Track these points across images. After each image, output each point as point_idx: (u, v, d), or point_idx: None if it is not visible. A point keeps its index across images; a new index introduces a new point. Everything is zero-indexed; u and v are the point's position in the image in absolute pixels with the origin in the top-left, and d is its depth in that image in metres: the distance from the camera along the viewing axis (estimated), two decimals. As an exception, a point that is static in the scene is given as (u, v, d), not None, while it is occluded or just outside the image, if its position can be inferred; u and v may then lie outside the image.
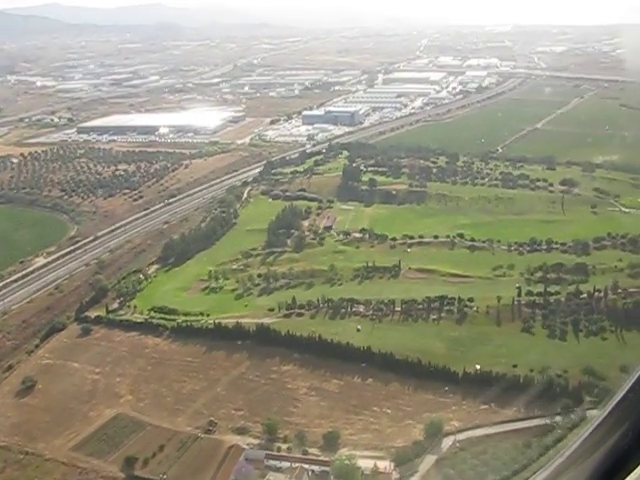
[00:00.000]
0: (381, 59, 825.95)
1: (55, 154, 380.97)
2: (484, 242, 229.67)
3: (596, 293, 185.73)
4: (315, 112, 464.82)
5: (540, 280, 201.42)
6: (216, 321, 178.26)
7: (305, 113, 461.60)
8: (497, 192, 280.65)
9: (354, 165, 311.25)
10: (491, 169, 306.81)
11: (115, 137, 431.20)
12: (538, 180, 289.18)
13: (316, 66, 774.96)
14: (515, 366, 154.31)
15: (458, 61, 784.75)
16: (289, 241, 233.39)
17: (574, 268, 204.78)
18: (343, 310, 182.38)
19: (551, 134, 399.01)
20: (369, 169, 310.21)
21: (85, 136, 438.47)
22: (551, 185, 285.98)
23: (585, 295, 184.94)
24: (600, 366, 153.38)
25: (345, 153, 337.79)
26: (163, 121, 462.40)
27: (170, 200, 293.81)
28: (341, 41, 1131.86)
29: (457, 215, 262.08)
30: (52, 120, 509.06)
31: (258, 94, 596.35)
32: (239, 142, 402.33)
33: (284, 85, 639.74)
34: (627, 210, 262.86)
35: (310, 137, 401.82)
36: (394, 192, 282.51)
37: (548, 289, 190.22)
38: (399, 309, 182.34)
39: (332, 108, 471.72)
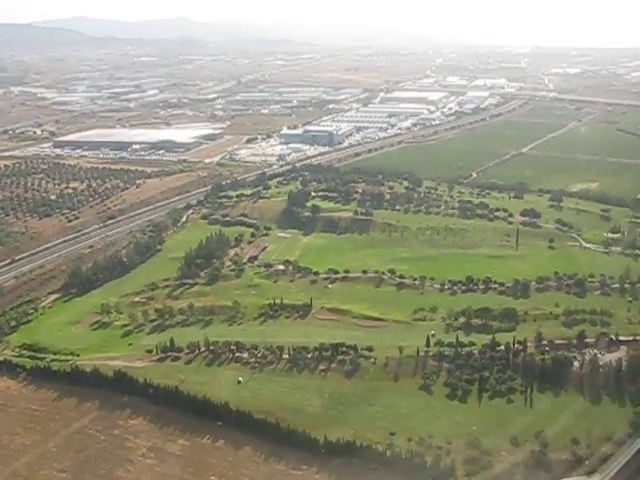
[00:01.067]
0: (389, 77, 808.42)
1: (16, 169, 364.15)
2: (416, 279, 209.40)
3: (516, 345, 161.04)
4: (293, 131, 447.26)
5: (461, 327, 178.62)
6: (75, 364, 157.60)
7: (283, 132, 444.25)
8: (450, 222, 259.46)
9: (305, 189, 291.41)
10: (452, 197, 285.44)
11: (87, 152, 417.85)
12: (498, 210, 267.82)
13: (320, 83, 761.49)
14: (393, 434, 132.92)
15: (465, 81, 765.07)
16: (203, 273, 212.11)
17: (502, 314, 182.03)
18: (224, 356, 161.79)
19: (534, 159, 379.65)
20: (320, 194, 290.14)
21: (59, 150, 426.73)
22: (511, 216, 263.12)
23: (503, 347, 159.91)
24: (491, 437, 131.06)
25: (307, 176, 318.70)
26: (141, 137, 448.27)
27: (107, 222, 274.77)
28: (355, 59, 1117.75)
29: (398, 247, 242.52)
30: (34, 133, 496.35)
31: (250, 111, 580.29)
32: (207, 161, 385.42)
33: (280, 102, 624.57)
34: (587, 245, 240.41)
35: (281, 157, 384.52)
36: (337, 220, 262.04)
37: (465, 338, 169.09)
38: (287, 356, 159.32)
39: (311, 127, 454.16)
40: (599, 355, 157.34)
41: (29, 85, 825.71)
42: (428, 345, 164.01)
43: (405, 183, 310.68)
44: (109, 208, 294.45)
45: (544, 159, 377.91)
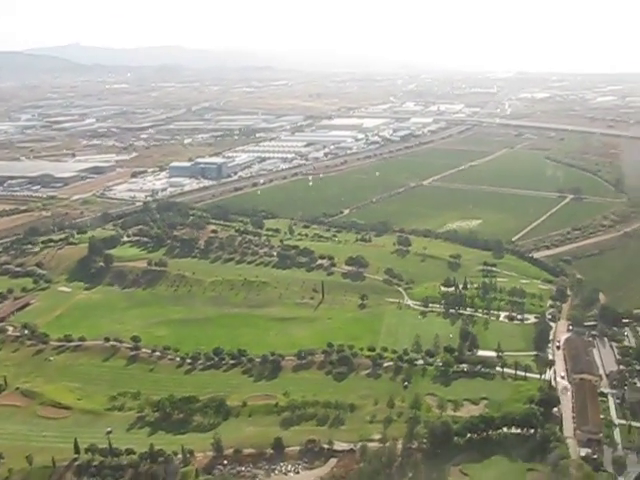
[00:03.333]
0: (347, 104, 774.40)
1: None
2: (155, 351, 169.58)
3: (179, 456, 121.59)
4: (183, 164, 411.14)
5: (155, 421, 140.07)
6: None
7: (172, 165, 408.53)
8: (259, 272, 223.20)
9: (116, 234, 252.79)
10: (281, 241, 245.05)
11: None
12: (323, 257, 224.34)
13: (271, 110, 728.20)
14: None
15: (421, 106, 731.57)
16: None
17: (210, 405, 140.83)
18: None
19: (431, 192, 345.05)
20: (133, 239, 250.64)
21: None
22: (334, 265, 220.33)
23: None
24: None
25: (155, 215, 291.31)
26: (26, 170, 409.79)
27: None
28: (327, 85, 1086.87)
29: (177, 305, 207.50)
30: None
31: (173, 141, 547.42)
32: (76, 197, 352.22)
33: (212, 131, 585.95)
34: (409, 303, 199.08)
35: (154, 192, 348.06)
36: (129, 271, 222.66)
37: (146, 439, 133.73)
38: None
39: (201, 160, 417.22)
40: (291, 473, 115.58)
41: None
42: (77, 451, 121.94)
43: (248, 223, 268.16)
44: None
45: (442, 192, 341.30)
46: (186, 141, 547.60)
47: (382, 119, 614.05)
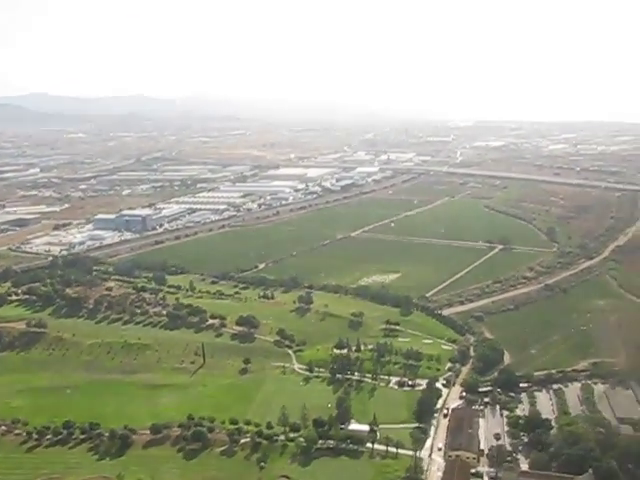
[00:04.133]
0: (298, 153, 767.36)
1: None
2: (2, 425, 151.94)
3: None
4: (108, 216, 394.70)
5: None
6: None
7: (97, 217, 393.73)
8: (143, 334, 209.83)
9: (8, 291, 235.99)
10: (177, 299, 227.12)
11: None
12: (214, 317, 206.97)
13: (220, 160, 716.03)
14: None
15: (372, 155, 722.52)
16: None
17: None
18: None
19: (355, 244, 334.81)
20: (22, 297, 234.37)
21: None
22: (224, 325, 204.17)
23: None
24: None
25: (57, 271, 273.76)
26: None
27: None
28: (284, 134, 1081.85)
29: (47, 371, 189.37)
30: None
31: (112, 192, 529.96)
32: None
33: (155, 181, 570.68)
34: (296, 367, 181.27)
35: (71, 246, 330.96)
36: (6, 333, 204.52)
37: None
38: None
39: (126, 212, 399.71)
40: None
41: None
42: None
43: (150, 279, 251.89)
44: None
45: (367, 244, 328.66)
46: (125, 192, 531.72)
47: (328, 168, 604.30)
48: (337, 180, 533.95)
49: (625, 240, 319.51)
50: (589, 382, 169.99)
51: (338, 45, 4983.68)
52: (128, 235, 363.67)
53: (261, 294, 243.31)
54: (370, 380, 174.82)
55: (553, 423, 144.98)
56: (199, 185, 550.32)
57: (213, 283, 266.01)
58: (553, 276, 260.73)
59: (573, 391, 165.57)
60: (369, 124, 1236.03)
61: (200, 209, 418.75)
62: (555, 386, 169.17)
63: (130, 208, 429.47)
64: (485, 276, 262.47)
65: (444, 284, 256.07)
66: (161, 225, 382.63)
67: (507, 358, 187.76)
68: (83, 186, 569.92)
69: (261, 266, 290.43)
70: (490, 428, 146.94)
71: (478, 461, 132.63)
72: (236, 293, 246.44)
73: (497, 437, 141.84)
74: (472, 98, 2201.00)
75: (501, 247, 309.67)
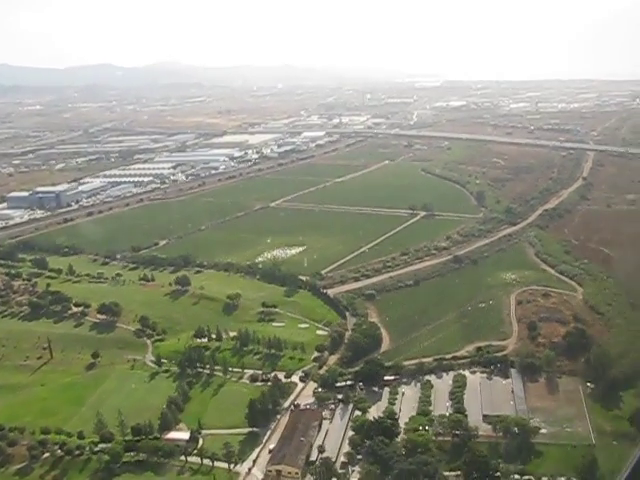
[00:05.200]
0: (251, 120, 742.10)
1: None
2: None
3: None
4: (21, 194, 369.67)
5: None
6: None
7: (10, 195, 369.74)
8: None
9: None
10: (48, 285, 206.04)
11: None
12: (79, 305, 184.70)
13: (170, 129, 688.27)
14: None
15: (325, 119, 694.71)
16: None
17: None
18: None
19: (269, 215, 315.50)
20: None
21: None
22: (86, 314, 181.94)
23: None
24: None
25: None
26: None
27: None
28: (246, 100, 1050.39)
29: None
30: None
31: (45, 166, 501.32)
32: None
33: (96, 153, 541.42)
34: (148, 361, 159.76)
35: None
36: None
37: None
38: None
39: (40, 188, 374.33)
40: None
41: None
42: None
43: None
44: None
45: (283, 214, 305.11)
46: (58, 166, 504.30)
47: (274, 134, 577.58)
48: (279, 146, 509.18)
49: (557, 203, 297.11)
50: (465, 372, 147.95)
51: (309, 9, 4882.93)
52: (39, 213, 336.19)
53: (141, 276, 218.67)
54: (221, 374, 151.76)
55: (402, 426, 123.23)
56: (136, 156, 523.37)
57: (104, 264, 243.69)
58: (467, 245, 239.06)
59: (445, 383, 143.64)
60: (336, 87, 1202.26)
61: (124, 182, 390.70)
62: (428, 377, 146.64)
63: (54, 184, 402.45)
64: (396, 247, 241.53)
65: (348, 257, 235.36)
66: (77, 201, 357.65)
67: (386, 344, 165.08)
68: (17, 161, 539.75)
69: (162, 243, 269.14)
70: (332, 434, 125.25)
71: (301, 478, 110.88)
72: (117, 275, 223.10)
73: (335, 446, 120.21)
74: (445, 59, 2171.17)
75: (424, 214, 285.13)
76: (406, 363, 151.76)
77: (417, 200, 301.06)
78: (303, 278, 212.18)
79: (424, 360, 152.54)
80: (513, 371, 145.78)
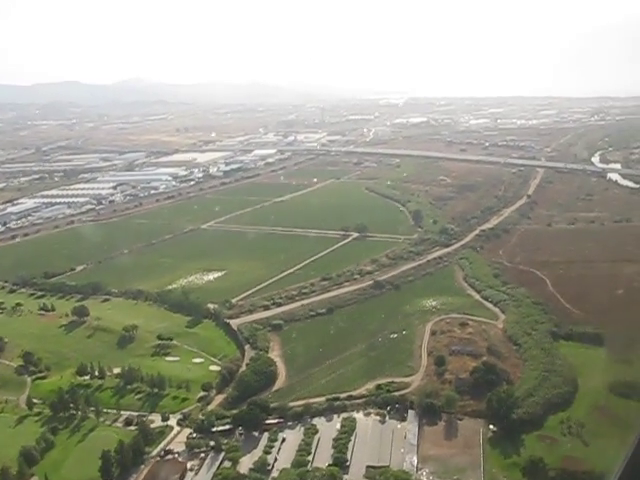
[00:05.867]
0: (208, 137, 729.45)
1: None
2: None
3: None
4: None
5: None
6: None
7: None
8: None
9: None
10: None
11: None
12: None
13: (126, 147, 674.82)
14: None
15: (281, 136, 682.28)
16: None
17: None
18: None
19: (197, 238, 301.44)
20: None
21: None
22: None
23: None
24: None
25: None
26: None
27: None
28: (207, 117, 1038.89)
29: None
30: None
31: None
32: None
33: (37, 172, 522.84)
34: (22, 403, 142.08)
35: None
36: None
37: None
38: None
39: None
40: None
41: None
42: None
43: None
44: None
45: (212, 236, 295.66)
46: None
47: (226, 152, 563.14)
48: (227, 164, 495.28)
49: (496, 222, 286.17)
50: (359, 414, 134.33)
51: (279, 27, 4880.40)
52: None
53: (41, 305, 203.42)
54: (94, 417, 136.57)
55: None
56: (81, 175, 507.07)
57: (11, 292, 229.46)
58: (393, 269, 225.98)
59: (332, 428, 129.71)
60: (299, 104, 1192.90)
61: (58, 202, 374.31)
62: (317, 420, 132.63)
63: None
64: (319, 272, 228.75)
65: (267, 283, 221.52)
66: (5, 223, 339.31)
67: (281, 381, 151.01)
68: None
69: (79, 268, 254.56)
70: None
71: None
72: (17, 305, 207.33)
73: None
74: (416, 76, 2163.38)
75: (356, 235, 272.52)
76: (295, 404, 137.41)
77: (354, 220, 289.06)
78: (212, 306, 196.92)
79: (315, 400, 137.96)
80: (411, 413, 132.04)
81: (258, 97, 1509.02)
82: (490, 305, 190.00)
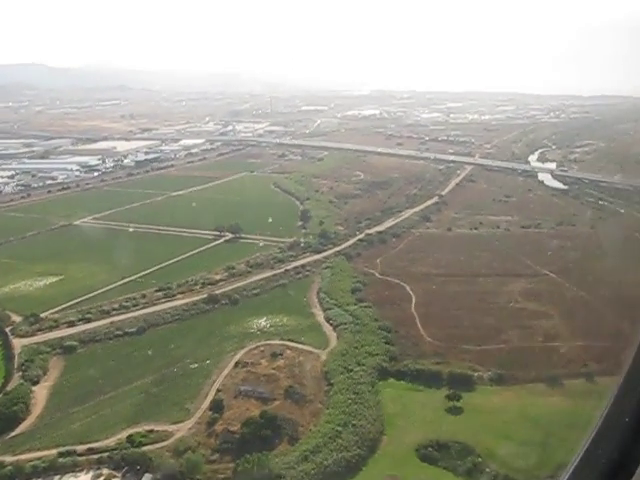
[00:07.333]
0: (151, 125, 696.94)
1: None
2: None
3: None
4: None
5: None
6: None
7: None
8: None
9: None
10: None
11: None
12: None
13: (61, 133, 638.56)
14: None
15: (220, 126, 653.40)
16: None
17: None
18: None
19: (59, 236, 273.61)
20: None
21: None
22: None
23: None
24: None
25: None
26: None
27: None
28: (162, 104, 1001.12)
29: None
30: None
31: None
32: None
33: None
34: None
35: None
36: None
37: None
38: None
39: None
40: None
41: None
42: None
43: None
44: None
45: (80, 234, 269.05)
46: None
47: (151, 141, 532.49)
48: (145, 154, 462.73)
49: (389, 225, 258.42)
50: (88, 474, 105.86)
51: (255, 15, 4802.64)
52: None
53: None
54: None
55: None
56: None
57: None
58: (245, 279, 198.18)
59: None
60: (258, 94, 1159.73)
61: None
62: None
63: None
64: (163, 279, 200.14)
65: (98, 292, 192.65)
66: None
67: (29, 422, 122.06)
68: None
69: None
70: None
71: None
72: None
73: None
74: (384, 68, 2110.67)
75: (230, 236, 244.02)
76: (27, 456, 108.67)
77: (239, 219, 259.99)
78: (19, 319, 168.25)
79: (43, 454, 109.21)
80: (147, 477, 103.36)
81: (231, 87, 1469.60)
82: (329, 328, 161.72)
